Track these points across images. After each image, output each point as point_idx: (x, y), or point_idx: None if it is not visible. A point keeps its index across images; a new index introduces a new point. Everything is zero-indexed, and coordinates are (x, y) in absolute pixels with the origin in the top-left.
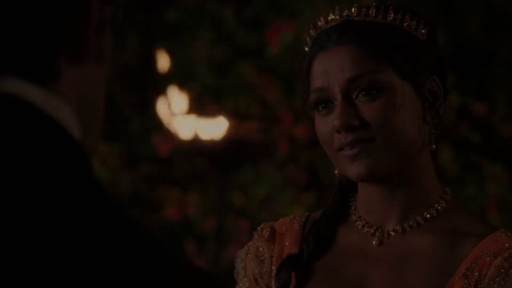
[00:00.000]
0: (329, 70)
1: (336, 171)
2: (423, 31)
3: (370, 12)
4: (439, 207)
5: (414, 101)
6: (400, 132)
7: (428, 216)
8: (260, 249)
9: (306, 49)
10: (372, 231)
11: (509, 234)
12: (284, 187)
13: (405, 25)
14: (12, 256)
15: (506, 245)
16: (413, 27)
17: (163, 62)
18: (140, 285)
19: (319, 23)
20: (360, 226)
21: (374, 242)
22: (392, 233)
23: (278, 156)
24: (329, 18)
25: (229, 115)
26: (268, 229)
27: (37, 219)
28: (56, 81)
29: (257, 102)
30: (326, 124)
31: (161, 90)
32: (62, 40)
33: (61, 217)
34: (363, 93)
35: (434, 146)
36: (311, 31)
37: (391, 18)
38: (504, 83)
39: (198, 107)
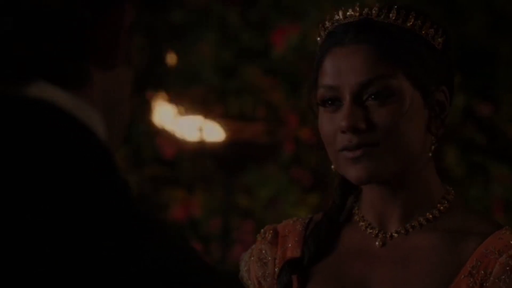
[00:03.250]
0: (342, 70)
1: (332, 166)
2: (440, 40)
3: (391, 14)
4: (442, 207)
5: (422, 110)
6: (405, 139)
7: (430, 216)
8: (263, 251)
9: (318, 39)
10: (375, 232)
11: None
12: (289, 188)
13: (423, 32)
14: (39, 252)
15: (511, 242)
16: (431, 35)
17: (171, 59)
18: (157, 284)
19: (337, 17)
20: (363, 228)
21: (377, 243)
22: (395, 235)
23: (283, 157)
24: (348, 13)
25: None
26: (271, 231)
27: (61, 218)
28: (85, 85)
29: (262, 104)
30: (331, 122)
31: (166, 91)
32: (92, 45)
33: (85, 216)
34: (373, 96)
35: (430, 154)
36: (326, 22)
37: (411, 23)
38: (509, 84)
39: (203, 109)
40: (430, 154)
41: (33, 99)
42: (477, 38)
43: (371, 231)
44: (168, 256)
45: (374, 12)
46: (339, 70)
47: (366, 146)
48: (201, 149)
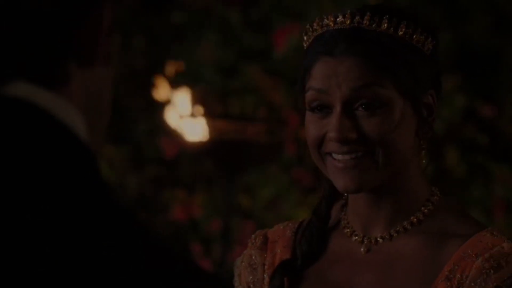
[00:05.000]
0: (332, 77)
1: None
2: (429, 45)
3: (383, 23)
4: (426, 210)
5: (411, 117)
6: (395, 148)
7: (415, 220)
8: (253, 257)
9: (305, 38)
10: (359, 238)
11: (495, 233)
12: (290, 188)
13: (414, 39)
14: (16, 256)
15: (490, 245)
16: (421, 42)
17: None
18: (146, 286)
19: (326, 21)
20: (348, 234)
21: (362, 249)
22: (380, 240)
23: (285, 158)
24: (338, 19)
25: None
26: (261, 236)
27: (45, 219)
28: (65, 84)
29: (263, 104)
30: (319, 128)
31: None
32: (71, 43)
33: (69, 218)
34: (363, 106)
35: (424, 162)
36: (315, 24)
37: (402, 32)
38: (511, 85)
39: (204, 109)
40: (424, 161)
41: (11, 99)
42: (480, 39)
43: (356, 237)
44: (158, 257)
45: (365, 21)
46: (329, 75)
47: (357, 157)
48: (202, 149)
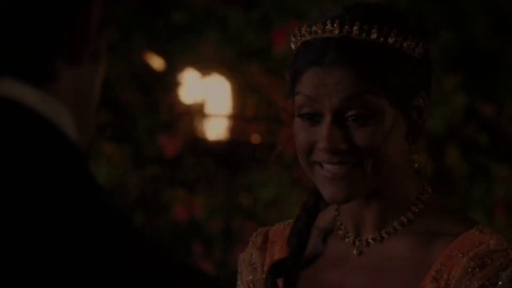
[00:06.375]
0: (322, 85)
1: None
2: (420, 50)
3: (373, 32)
4: (416, 209)
5: (401, 123)
6: (387, 157)
7: (405, 220)
8: (253, 256)
9: (293, 39)
10: (351, 240)
11: (484, 230)
12: (291, 188)
13: (404, 46)
14: (6, 256)
15: (477, 243)
16: (412, 48)
17: (157, 63)
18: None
19: (314, 28)
20: (341, 235)
21: (354, 252)
22: (371, 242)
23: (285, 157)
24: (327, 27)
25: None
26: (262, 236)
27: (34, 219)
28: (53, 82)
29: (264, 103)
30: (308, 136)
31: (168, 91)
32: (60, 41)
33: (57, 218)
34: (353, 117)
35: (414, 157)
36: (303, 30)
37: (392, 40)
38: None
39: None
40: (416, 164)
41: None
42: (480, 38)
43: (348, 239)
44: (150, 259)
45: (355, 30)
46: (319, 86)
47: (347, 166)
48: (203, 149)
